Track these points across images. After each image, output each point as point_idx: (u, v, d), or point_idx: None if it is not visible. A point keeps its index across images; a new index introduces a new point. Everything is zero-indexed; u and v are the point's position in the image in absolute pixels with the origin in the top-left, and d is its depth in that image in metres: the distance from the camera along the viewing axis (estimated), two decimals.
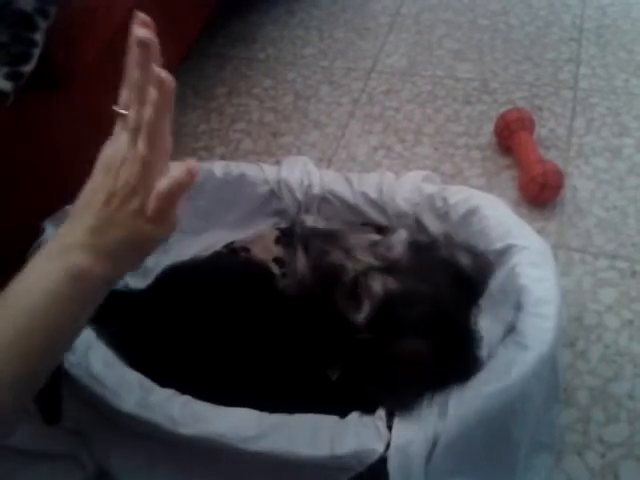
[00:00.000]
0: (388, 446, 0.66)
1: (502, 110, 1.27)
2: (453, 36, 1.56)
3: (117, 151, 0.55)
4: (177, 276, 0.88)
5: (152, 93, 0.52)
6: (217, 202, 1.03)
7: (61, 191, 1.05)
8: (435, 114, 1.36)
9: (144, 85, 0.54)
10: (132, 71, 0.55)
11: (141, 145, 0.53)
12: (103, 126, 1.18)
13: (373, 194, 0.99)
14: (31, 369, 0.52)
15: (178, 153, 1.46)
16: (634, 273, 1.04)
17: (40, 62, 0.90)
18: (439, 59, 1.50)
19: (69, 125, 1.06)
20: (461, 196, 0.94)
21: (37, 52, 0.89)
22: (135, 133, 0.54)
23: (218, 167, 1.03)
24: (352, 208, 1.01)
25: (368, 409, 0.71)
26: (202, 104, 1.46)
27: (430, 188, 0.97)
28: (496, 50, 1.50)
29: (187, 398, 0.74)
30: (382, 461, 0.66)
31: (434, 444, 0.67)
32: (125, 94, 0.57)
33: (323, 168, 1.25)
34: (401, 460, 0.66)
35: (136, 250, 0.55)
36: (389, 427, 0.67)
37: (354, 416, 0.70)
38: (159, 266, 1.00)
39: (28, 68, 0.88)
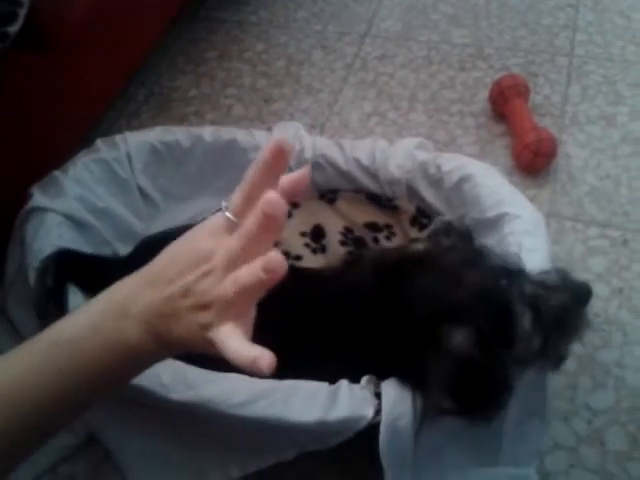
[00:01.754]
0: (376, 413, 0.67)
1: (497, 77, 1.25)
2: (448, 0, 1.53)
3: (212, 250, 0.49)
4: (153, 246, 0.88)
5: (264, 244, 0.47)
6: (207, 168, 1.02)
7: (49, 156, 1.04)
8: (429, 80, 1.35)
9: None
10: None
11: (232, 285, 0.47)
12: (91, 89, 1.17)
13: (365, 161, 0.99)
14: (46, 421, 0.51)
15: (168, 118, 1.45)
16: (625, 242, 1.04)
17: (26, 23, 0.88)
18: (434, 24, 1.47)
19: (56, 88, 1.04)
20: (454, 164, 0.93)
21: (23, 12, 0.87)
22: (234, 262, 0.48)
23: (208, 132, 1.01)
24: (344, 174, 1.01)
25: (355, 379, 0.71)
26: (192, 69, 1.44)
27: (423, 155, 0.97)
28: (492, 15, 1.48)
29: (178, 364, 0.74)
30: (370, 427, 0.67)
31: (423, 415, 0.67)
32: (239, 200, 0.49)
33: (315, 135, 1.24)
34: (391, 435, 0.67)
35: (190, 348, 0.52)
36: (377, 394, 0.68)
37: (343, 383, 0.70)
38: (149, 232, 0.99)
39: (14, 28, 0.86)
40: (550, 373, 0.74)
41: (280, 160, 0.48)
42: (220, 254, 0.48)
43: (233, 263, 0.48)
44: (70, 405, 0.52)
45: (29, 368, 0.50)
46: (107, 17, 1.10)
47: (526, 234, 0.81)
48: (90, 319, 0.51)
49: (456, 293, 0.64)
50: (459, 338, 0.62)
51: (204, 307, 0.48)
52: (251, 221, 0.47)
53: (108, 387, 0.53)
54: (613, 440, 0.84)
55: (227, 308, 0.48)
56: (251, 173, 0.49)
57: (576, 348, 0.91)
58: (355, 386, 0.70)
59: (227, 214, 0.49)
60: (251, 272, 0.46)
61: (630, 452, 0.82)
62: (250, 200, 0.48)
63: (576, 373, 0.90)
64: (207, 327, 0.48)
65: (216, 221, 0.50)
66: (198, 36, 1.52)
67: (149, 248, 0.89)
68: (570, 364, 0.90)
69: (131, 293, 0.51)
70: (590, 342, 0.93)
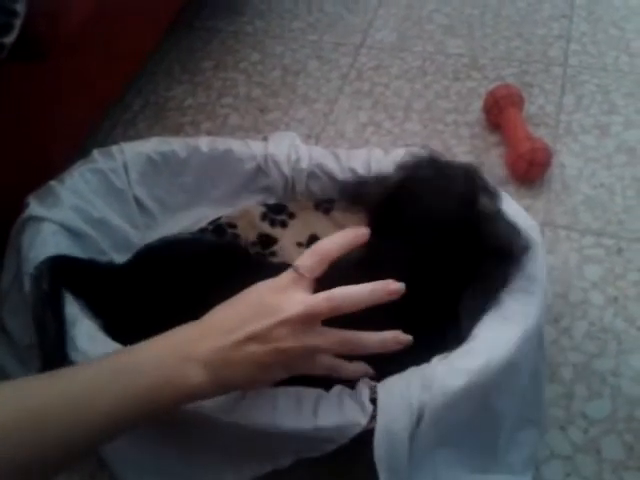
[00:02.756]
0: (371, 419, 0.67)
1: (491, 87, 1.26)
2: (443, 11, 1.54)
3: (278, 304, 0.57)
4: (152, 254, 0.88)
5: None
6: (203, 178, 1.02)
7: (44, 165, 1.04)
8: (424, 90, 1.35)
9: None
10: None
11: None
12: (87, 98, 1.17)
13: (361, 170, 0.99)
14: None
15: (164, 128, 1.46)
16: (620, 250, 1.04)
17: (22, 33, 0.88)
18: (429, 34, 1.48)
19: (52, 97, 1.04)
20: None
21: (18, 23, 0.87)
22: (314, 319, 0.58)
23: (204, 142, 1.01)
24: (340, 184, 1.01)
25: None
26: (188, 78, 1.44)
27: None
28: (486, 26, 1.49)
29: None
30: (365, 434, 0.67)
31: (419, 419, 0.67)
32: (313, 261, 0.60)
33: (311, 144, 1.24)
34: (386, 438, 0.66)
35: (252, 384, 0.62)
36: (372, 400, 0.68)
37: (337, 389, 0.70)
38: (145, 242, 0.99)
39: (9, 39, 0.86)
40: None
41: (361, 241, 0.62)
42: (297, 308, 0.57)
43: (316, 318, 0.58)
44: (114, 430, 0.55)
45: (88, 390, 0.53)
46: (103, 26, 1.10)
47: None
48: (152, 355, 0.56)
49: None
50: (486, 201, 0.74)
51: (283, 352, 0.56)
52: (359, 290, 0.59)
53: (153, 417, 0.57)
54: (609, 449, 0.83)
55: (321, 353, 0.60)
56: (330, 246, 0.61)
57: (572, 357, 0.92)
58: (349, 391, 0.70)
59: (303, 272, 0.59)
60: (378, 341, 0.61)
61: (626, 461, 0.82)
62: (323, 261, 0.60)
63: (572, 382, 0.90)
64: (289, 367, 0.60)
65: (281, 279, 0.59)
66: (194, 46, 1.53)
67: (147, 256, 0.90)
68: (566, 373, 0.91)
69: (193, 339, 0.57)
70: (586, 351, 0.93)
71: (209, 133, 1.30)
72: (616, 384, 0.89)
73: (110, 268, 0.89)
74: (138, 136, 1.31)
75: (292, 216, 1.03)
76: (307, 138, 1.27)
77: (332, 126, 1.30)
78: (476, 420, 0.72)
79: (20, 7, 0.87)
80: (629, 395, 0.88)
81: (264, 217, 1.02)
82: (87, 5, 1.01)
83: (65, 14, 0.96)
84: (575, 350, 0.93)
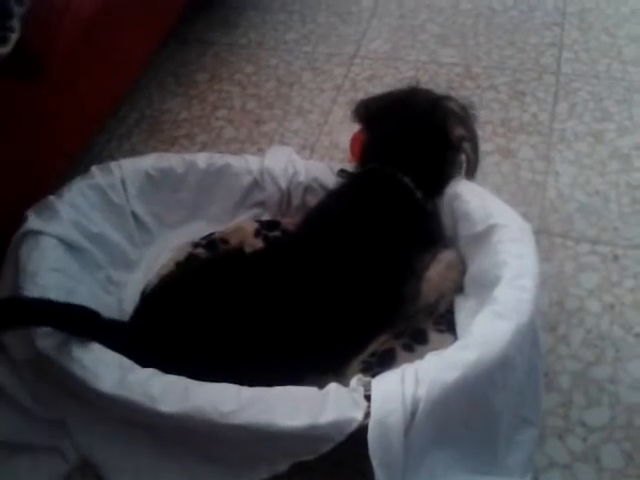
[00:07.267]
0: (367, 415, 0.67)
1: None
2: (436, 20, 1.55)
3: None
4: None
5: None
6: (200, 194, 1.03)
7: (42, 179, 1.04)
8: None
9: None
10: None
11: None
12: (81, 113, 1.17)
13: None
14: None
15: (159, 141, 1.45)
16: (615, 257, 1.05)
17: (19, 50, 0.89)
18: (422, 44, 1.49)
19: (50, 112, 1.05)
20: None
21: (14, 37, 0.89)
22: None
23: (201, 158, 1.02)
24: None
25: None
26: (183, 91, 1.45)
27: None
28: (479, 35, 1.50)
29: (167, 377, 0.74)
30: (361, 430, 0.67)
31: (413, 414, 0.67)
32: None
33: (306, 155, 1.25)
34: (380, 432, 0.67)
35: None
36: (367, 397, 0.68)
37: (332, 387, 0.71)
38: (142, 259, 1.00)
39: (6, 50, 0.87)
40: None
41: None
42: None
43: None
44: None
45: None
46: (98, 42, 1.10)
47: (514, 241, 0.82)
48: None
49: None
50: (454, 105, 0.96)
51: None
52: None
53: None
54: (608, 457, 0.83)
55: None
56: None
57: (569, 365, 0.92)
58: (344, 389, 0.71)
59: None
60: None
61: (625, 469, 0.82)
62: None
63: (570, 390, 0.90)
64: None
65: None
66: (188, 58, 1.53)
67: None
68: (563, 381, 0.91)
69: None
70: (583, 358, 0.93)
71: (204, 146, 1.31)
72: (614, 391, 0.89)
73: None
74: (133, 149, 1.31)
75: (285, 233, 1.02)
76: (302, 149, 1.27)
77: (327, 137, 1.30)
78: (473, 417, 0.72)
79: (15, 23, 0.88)
80: (627, 402, 0.88)
81: (257, 234, 1.01)
82: (82, 22, 1.01)
83: (58, 30, 0.96)
84: (572, 358, 0.93)
